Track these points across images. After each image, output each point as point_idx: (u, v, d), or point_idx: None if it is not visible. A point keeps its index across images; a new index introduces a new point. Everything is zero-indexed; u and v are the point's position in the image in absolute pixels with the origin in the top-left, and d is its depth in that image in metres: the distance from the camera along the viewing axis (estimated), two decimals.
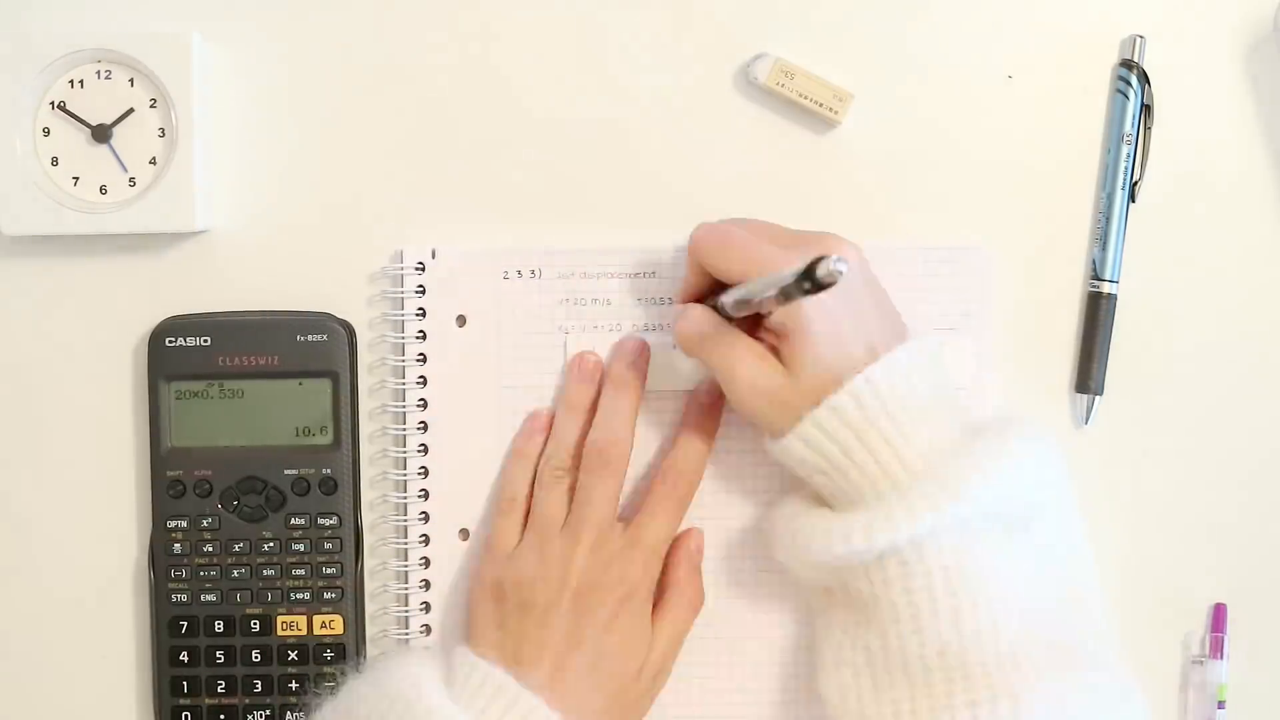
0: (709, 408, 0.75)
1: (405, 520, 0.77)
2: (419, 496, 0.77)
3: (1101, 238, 0.76)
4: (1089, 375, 0.76)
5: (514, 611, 0.72)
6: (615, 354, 0.76)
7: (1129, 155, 0.76)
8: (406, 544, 0.77)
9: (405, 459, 0.77)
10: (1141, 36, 0.76)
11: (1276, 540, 0.77)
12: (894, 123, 0.77)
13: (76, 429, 0.77)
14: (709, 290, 0.72)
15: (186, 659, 0.76)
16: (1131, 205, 0.76)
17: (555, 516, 0.73)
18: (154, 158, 0.76)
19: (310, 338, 0.76)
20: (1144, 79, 0.76)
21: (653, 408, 0.76)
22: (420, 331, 0.77)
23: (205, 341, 0.76)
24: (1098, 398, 0.76)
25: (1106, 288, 0.76)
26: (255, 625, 0.76)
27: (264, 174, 0.77)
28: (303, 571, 0.76)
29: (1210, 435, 0.77)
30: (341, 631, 0.76)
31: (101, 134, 0.75)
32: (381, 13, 0.77)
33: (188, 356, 0.76)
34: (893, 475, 0.67)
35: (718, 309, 0.70)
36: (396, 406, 0.77)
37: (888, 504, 0.66)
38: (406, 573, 0.77)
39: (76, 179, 0.76)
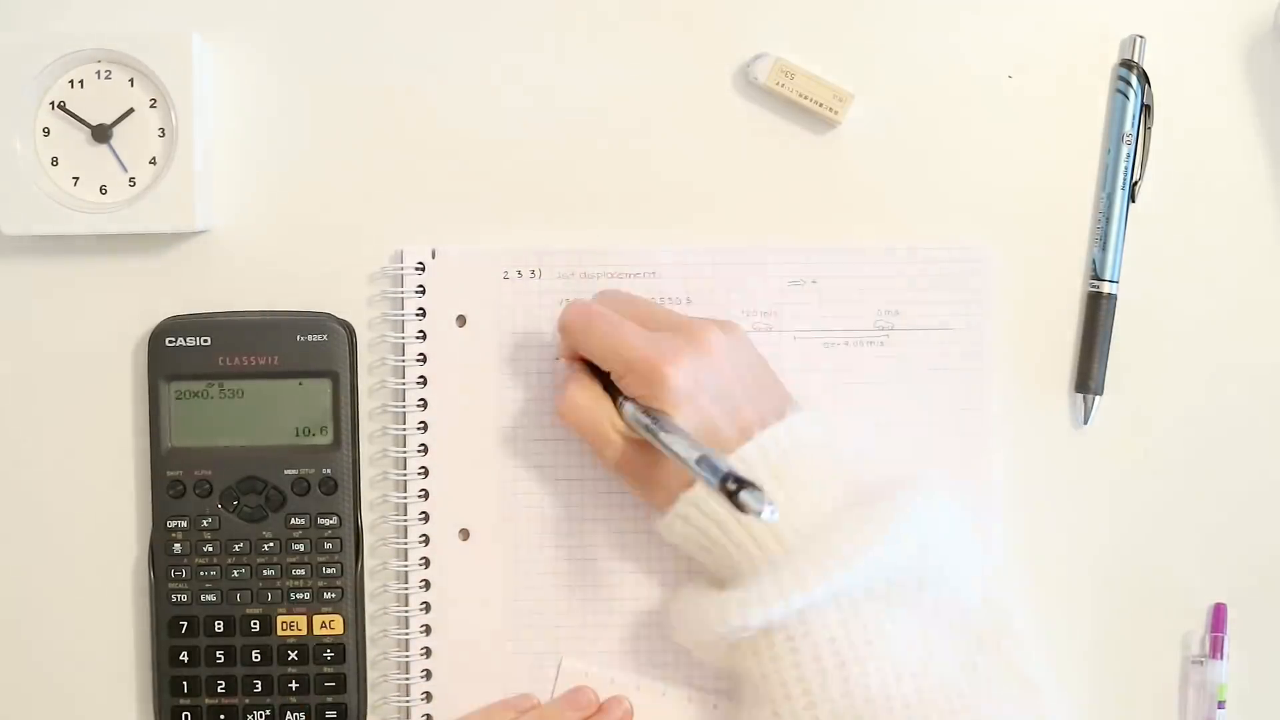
0: None
1: (405, 520, 0.77)
2: (419, 496, 0.77)
3: (1101, 238, 0.76)
4: (1089, 375, 0.76)
5: None
6: (610, 705, 0.75)
7: (1129, 155, 0.76)
8: (406, 544, 0.77)
9: (405, 459, 0.77)
10: (1141, 36, 0.76)
11: (1276, 540, 0.77)
12: (894, 123, 0.77)
13: (77, 429, 0.77)
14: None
15: (186, 659, 0.76)
16: (1131, 205, 0.76)
17: None
18: (154, 158, 0.76)
19: (310, 338, 0.76)
20: (1144, 79, 0.76)
21: None
22: (420, 331, 0.77)
23: (205, 341, 0.76)
24: (1097, 398, 0.76)
25: (1106, 288, 0.76)
26: (255, 625, 0.76)
27: (264, 174, 0.77)
28: (303, 571, 0.76)
29: (1210, 435, 0.77)
30: (341, 631, 0.76)
31: (101, 134, 0.75)
32: (381, 13, 0.77)
33: (188, 356, 0.76)
34: (768, 551, 0.67)
35: (615, 402, 0.70)
36: (396, 406, 0.77)
37: (761, 582, 0.66)
38: (406, 573, 0.77)
39: (76, 179, 0.76)
